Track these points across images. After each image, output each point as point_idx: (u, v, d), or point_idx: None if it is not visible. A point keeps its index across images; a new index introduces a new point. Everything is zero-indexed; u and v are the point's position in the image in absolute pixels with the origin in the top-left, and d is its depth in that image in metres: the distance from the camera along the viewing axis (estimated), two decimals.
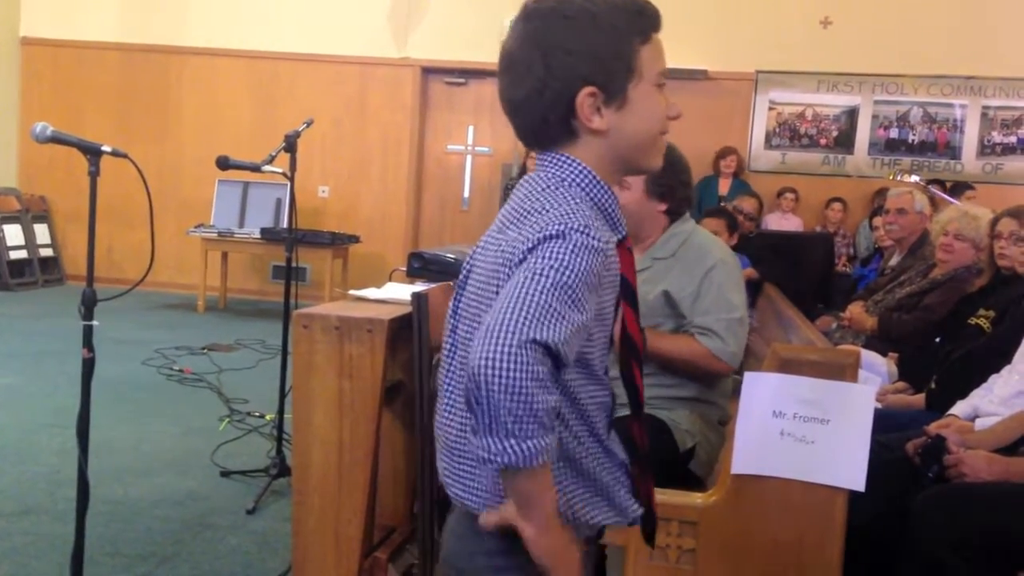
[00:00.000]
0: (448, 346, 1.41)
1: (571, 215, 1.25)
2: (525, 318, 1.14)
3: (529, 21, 1.32)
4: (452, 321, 1.40)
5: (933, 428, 2.69)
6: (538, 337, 1.14)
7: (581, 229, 1.22)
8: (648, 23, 1.34)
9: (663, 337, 2.60)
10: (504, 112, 1.37)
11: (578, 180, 1.33)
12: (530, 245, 1.23)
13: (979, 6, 8.17)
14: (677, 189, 2.75)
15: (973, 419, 2.79)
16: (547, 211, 1.27)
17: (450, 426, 1.37)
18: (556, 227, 1.23)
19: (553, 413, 1.17)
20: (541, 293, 1.16)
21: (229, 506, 3.65)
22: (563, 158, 1.34)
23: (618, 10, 1.32)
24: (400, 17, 9.09)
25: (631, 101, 1.33)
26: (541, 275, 1.18)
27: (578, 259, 1.20)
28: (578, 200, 1.29)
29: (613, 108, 1.32)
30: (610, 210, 1.34)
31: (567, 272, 1.18)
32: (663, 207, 2.76)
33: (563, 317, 1.17)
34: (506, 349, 1.12)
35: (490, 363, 1.12)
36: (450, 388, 1.38)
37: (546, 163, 1.36)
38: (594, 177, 1.33)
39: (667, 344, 2.58)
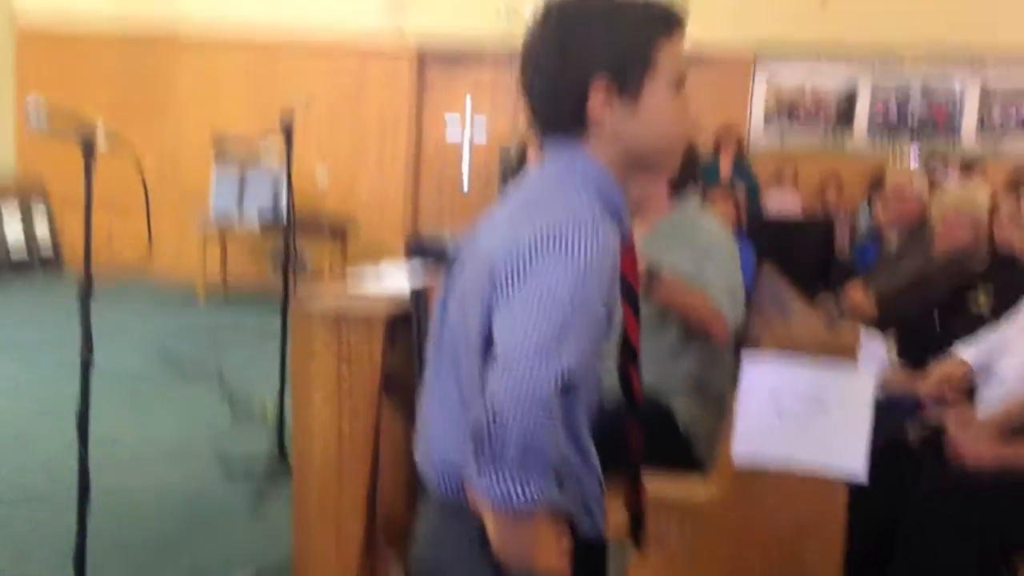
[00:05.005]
0: (437, 331, 1.37)
1: (579, 209, 1.23)
2: (542, 346, 1.12)
3: (549, 16, 1.31)
4: (443, 302, 1.37)
5: (935, 376, 2.64)
6: (558, 369, 1.12)
7: (588, 224, 1.20)
8: (673, 21, 1.33)
9: (681, 284, 2.58)
10: (525, 104, 1.35)
11: (585, 172, 1.30)
12: (537, 241, 1.19)
13: None
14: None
15: (983, 370, 2.74)
16: (554, 203, 1.25)
17: (437, 406, 1.34)
18: (563, 222, 1.20)
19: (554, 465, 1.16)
20: (557, 314, 1.14)
21: (230, 497, 3.65)
22: (572, 151, 1.32)
23: (640, 7, 1.31)
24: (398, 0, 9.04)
25: (645, 97, 1.30)
26: (553, 294, 1.16)
27: (588, 268, 1.17)
28: (584, 193, 1.27)
29: (626, 102, 1.30)
30: (615, 206, 1.31)
31: (578, 285, 1.16)
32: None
33: (579, 336, 1.15)
34: (529, 387, 1.10)
35: (511, 398, 1.10)
36: (439, 370, 1.35)
37: (555, 155, 1.34)
38: (600, 171, 1.31)
39: (683, 293, 2.56)
